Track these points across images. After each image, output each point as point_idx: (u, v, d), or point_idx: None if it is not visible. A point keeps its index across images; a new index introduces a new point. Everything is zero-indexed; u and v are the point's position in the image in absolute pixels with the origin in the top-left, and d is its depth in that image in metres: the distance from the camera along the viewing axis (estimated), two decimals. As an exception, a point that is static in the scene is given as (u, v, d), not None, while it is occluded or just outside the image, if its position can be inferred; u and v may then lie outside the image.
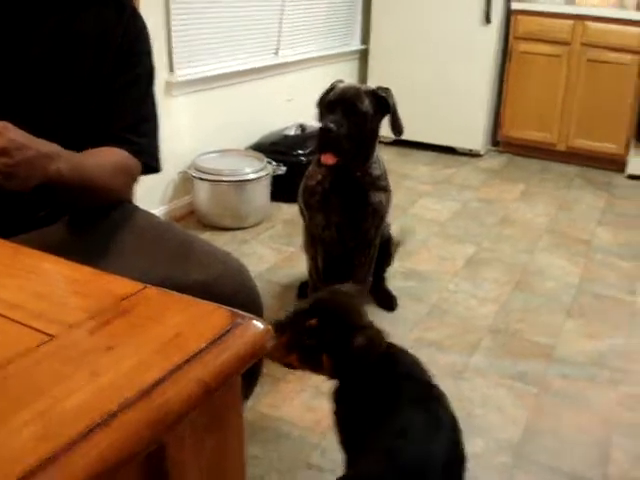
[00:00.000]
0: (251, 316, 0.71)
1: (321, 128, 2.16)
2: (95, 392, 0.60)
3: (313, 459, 1.90)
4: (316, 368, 1.49)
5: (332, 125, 2.12)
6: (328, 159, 2.17)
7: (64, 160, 1.24)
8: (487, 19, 4.52)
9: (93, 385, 0.60)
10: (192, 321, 0.70)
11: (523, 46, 4.67)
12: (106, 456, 0.54)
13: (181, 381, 0.61)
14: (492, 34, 4.58)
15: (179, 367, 0.62)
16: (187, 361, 0.63)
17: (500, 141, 5.02)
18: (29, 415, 0.57)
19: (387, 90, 2.27)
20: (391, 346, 1.53)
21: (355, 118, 2.17)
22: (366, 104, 2.18)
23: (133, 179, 1.49)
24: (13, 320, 0.70)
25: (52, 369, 0.63)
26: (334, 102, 2.20)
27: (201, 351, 0.65)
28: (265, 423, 2.04)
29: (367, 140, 2.23)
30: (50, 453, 0.53)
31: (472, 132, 4.84)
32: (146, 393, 0.59)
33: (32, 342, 0.66)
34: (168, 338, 0.67)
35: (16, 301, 0.74)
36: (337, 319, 1.46)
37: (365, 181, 2.29)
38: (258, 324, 0.71)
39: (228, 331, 0.68)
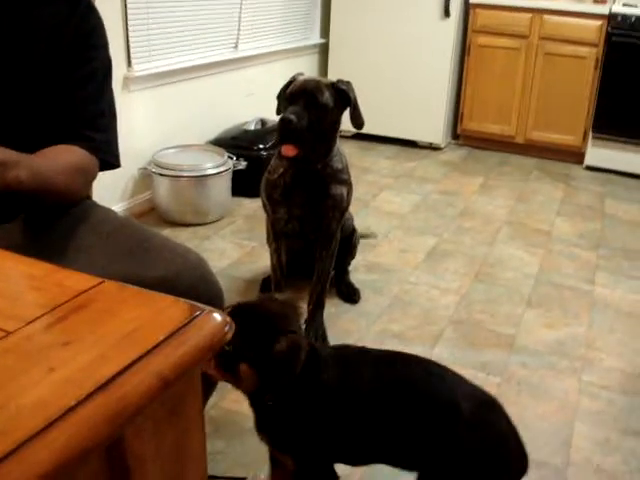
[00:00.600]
0: (210, 308, 0.71)
1: (281, 119, 2.15)
2: (52, 387, 0.59)
3: (278, 453, 1.90)
4: (236, 380, 1.36)
5: (292, 116, 2.12)
6: (289, 151, 2.16)
7: (22, 167, 1.22)
8: (446, 13, 4.56)
9: (50, 380, 0.60)
10: (150, 314, 0.70)
11: (482, 39, 4.72)
12: (65, 450, 0.53)
13: (139, 374, 0.61)
14: (451, 28, 4.61)
15: (137, 360, 0.62)
16: (145, 354, 0.63)
17: (460, 134, 5.06)
18: (-16, 411, 0.56)
19: (347, 83, 2.27)
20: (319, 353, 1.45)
21: (315, 110, 2.17)
22: (326, 96, 2.18)
23: (92, 177, 1.47)
24: (-33, 317, 0.69)
25: (7, 365, 0.62)
26: (295, 94, 2.20)
27: (159, 344, 0.65)
28: (230, 418, 2.03)
29: (327, 132, 2.23)
30: (7, 449, 0.52)
31: (432, 126, 4.87)
32: (104, 387, 0.59)
33: (-13, 338, 0.65)
34: (126, 332, 0.67)
35: (-30, 298, 0.73)
36: (258, 323, 1.32)
37: (326, 174, 2.29)
38: (217, 316, 0.71)
39: (187, 324, 0.68)
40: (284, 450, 1.47)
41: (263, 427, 1.45)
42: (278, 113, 2.30)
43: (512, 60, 4.66)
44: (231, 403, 2.10)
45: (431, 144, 4.93)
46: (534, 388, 2.25)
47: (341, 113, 2.27)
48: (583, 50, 4.45)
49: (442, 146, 4.94)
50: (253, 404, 1.44)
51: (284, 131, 2.15)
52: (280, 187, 2.33)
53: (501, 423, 1.43)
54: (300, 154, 2.17)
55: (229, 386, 2.14)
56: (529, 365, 2.37)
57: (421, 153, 4.85)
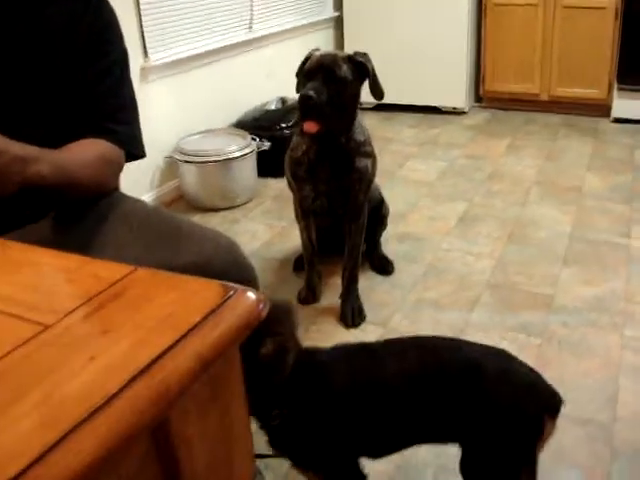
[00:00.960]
0: (243, 287, 0.71)
1: (301, 96, 2.14)
2: (94, 375, 0.60)
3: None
4: None
5: (312, 92, 2.11)
6: (311, 127, 2.16)
7: (44, 162, 1.23)
8: (459, -25, 4.48)
9: (91, 369, 0.60)
10: (185, 298, 0.70)
11: (497, -2, 4.65)
12: (110, 437, 0.54)
13: (179, 357, 0.62)
14: (465, -11, 4.54)
15: (175, 343, 0.63)
16: (183, 336, 0.63)
17: (483, 96, 5.00)
18: (29, 404, 0.57)
19: (364, 55, 2.25)
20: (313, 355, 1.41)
21: (334, 85, 2.16)
22: (344, 70, 2.17)
23: (118, 169, 1.48)
24: (6, 313, 0.70)
25: (49, 357, 0.63)
26: (312, 70, 2.19)
27: (196, 326, 0.65)
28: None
29: (348, 106, 2.22)
30: (54, 439, 0.53)
31: (454, 90, 4.82)
32: (144, 371, 0.59)
33: (27, 333, 0.66)
34: (162, 316, 0.67)
35: (8, 294, 0.74)
36: None
37: (350, 147, 2.28)
38: (251, 294, 0.71)
39: (221, 304, 0.68)
40: (306, 467, 1.43)
41: (278, 445, 1.40)
42: (298, 91, 2.29)
43: (530, 16, 4.58)
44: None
45: (454, 109, 4.87)
46: (575, 346, 2.23)
47: (360, 85, 2.26)
48: (602, 1, 4.35)
49: (465, 110, 4.88)
50: (262, 425, 1.37)
51: (305, 107, 2.14)
52: (304, 164, 2.32)
53: (523, 369, 1.41)
54: (322, 129, 2.17)
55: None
56: (569, 324, 2.35)
57: (445, 119, 4.80)
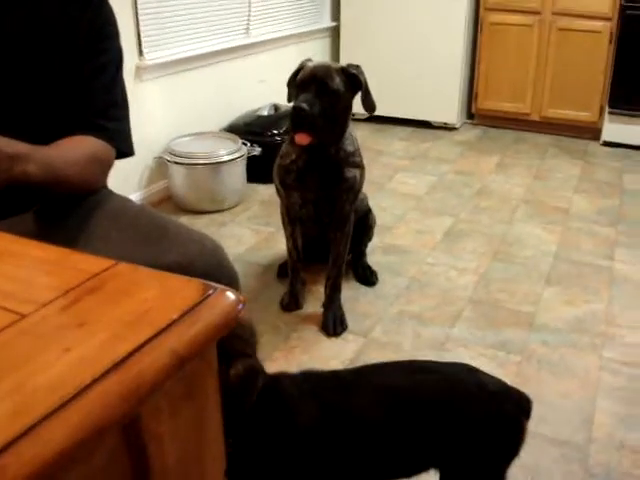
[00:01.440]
0: (223, 287, 0.71)
1: (294, 107, 2.15)
2: (68, 367, 0.59)
3: (299, 435, 1.91)
4: None
5: (304, 105, 2.11)
6: (302, 139, 2.16)
7: (32, 160, 1.23)
8: (457, -9, 4.51)
9: (65, 360, 0.60)
10: (164, 294, 0.70)
11: (494, 17, 4.67)
12: (81, 428, 0.54)
13: (154, 352, 0.61)
14: (463, 6, 4.56)
15: (151, 339, 0.62)
16: (159, 333, 0.63)
17: (475, 113, 5.03)
18: (2, 391, 0.56)
19: (357, 67, 2.26)
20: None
21: (327, 97, 2.16)
22: (337, 82, 2.17)
23: (107, 167, 1.48)
24: (-17, 301, 0.69)
25: (24, 347, 0.62)
26: (305, 81, 2.19)
27: (173, 322, 0.65)
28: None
29: (340, 118, 2.23)
30: (24, 427, 0.52)
31: (447, 106, 4.84)
32: (119, 365, 0.59)
33: (3, 322, 0.65)
34: (140, 312, 0.67)
35: (-15, 283, 0.74)
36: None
37: (339, 157, 2.29)
38: (230, 294, 0.71)
39: (200, 302, 0.68)
40: None
41: (232, 475, 1.26)
42: (289, 100, 2.29)
43: (525, 37, 4.62)
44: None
45: (446, 124, 4.89)
46: (555, 366, 2.24)
47: (352, 97, 2.26)
48: (597, 24, 4.39)
49: (457, 126, 4.90)
50: None
51: (297, 119, 2.14)
52: (293, 172, 2.33)
53: (491, 378, 1.41)
54: (314, 141, 2.17)
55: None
56: (549, 343, 2.36)
57: (436, 134, 4.82)
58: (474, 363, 2.19)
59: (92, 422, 0.55)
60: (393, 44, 4.80)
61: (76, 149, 1.38)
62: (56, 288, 0.71)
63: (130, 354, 0.60)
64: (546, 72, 4.63)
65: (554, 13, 4.48)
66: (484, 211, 3.48)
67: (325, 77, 2.17)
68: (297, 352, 2.32)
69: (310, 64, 2.25)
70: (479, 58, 4.83)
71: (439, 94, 4.80)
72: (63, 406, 0.55)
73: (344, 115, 2.25)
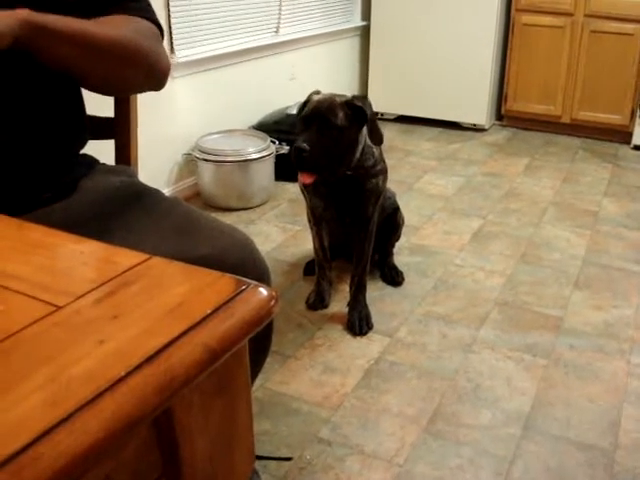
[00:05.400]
0: (256, 283, 0.71)
1: (295, 148, 2.10)
2: (101, 359, 0.60)
3: (323, 433, 1.91)
4: None
5: (305, 145, 2.08)
6: (306, 179, 2.13)
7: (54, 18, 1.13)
8: (489, -8, 4.49)
9: (99, 352, 0.61)
10: (197, 289, 0.71)
11: (525, 18, 4.64)
12: (114, 420, 0.54)
13: (187, 346, 0.62)
14: (494, 6, 4.54)
15: (184, 333, 0.63)
16: (192, 327, 0.64)
17: (504, 115, 5.00)
18: (37, 382, 0.57)
19: (364, 99, 2.19)
20: None
21: (329, 133, 2.11)
22: (340, 117, 2.11)
23: (160, 42, 1.38)
24: (20, 292, 0.70)
25: (58, 338, 0.63)
26: (308, 117, 2.13)
27: (206, 317, 0.65)
28: (275, 399, 2.05)
29: (345, 153, 2.18)
30: (59, 418, 0.53)
31: (476, 107, 4.81)
32: (152, 358, 0.60)
33: (39, 313, 0.66)
34: (173, 305, 0.67)
35: (22, 274, 0.74)
36: None
37: (358, 174, 2.27)
38: (263, 290, 0.71)
39: (233, 297, 0.69)
40: None
41: None
42: (297, 134, 2.24)
43: (557, 39, 4.58)
44: (277, 384, 2.12)
45: (475, 125, 4.87)
46: (581, 370, 2.22)
47: (359, 131, 2.19)
48: (629, 27, 4.34)
49: (486, 127, 4.88)
50: None
51: (298, 160, 2.11)
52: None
53: None
54: (319, 179, 2.16)
55: (275, 367, 2.17)
56: (576, 347, 2.34)
57: (464, 135, 4.80)
58: (500, 365, 2.21)
59: (125, 414, 0.55)
60: (423, 44, 4.78)
61: (119, 20, 1.27)
62: (90, 280, 0.72)
63: (163, 347, 0.61)
64: (577, 74, 4.59)
65: (586, 15, 4.44)
66: (513, 213, 3.46)
67: (327, 113, 2.11)
68: (322, 350, 2.32)
69: (315, 97, 2.19)
70: (510, 59, 4.80)
71: (469, 95, 4.78)
72: (97, 397, 0.55)
73: (349, 149, 2.19)
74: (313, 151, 2.08)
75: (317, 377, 2.17)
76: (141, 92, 1.51)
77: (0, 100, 1.29)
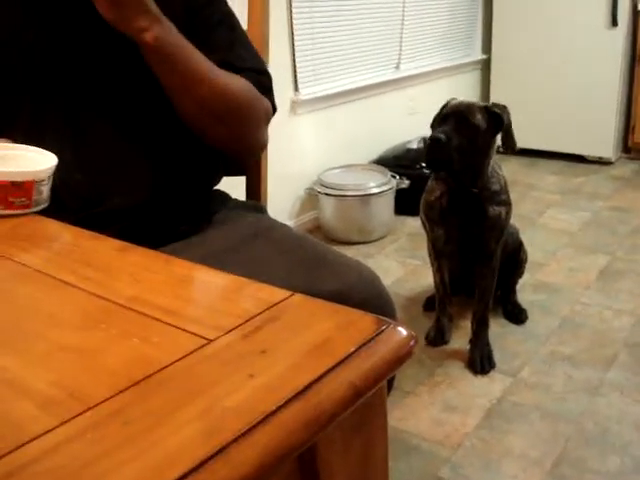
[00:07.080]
0: (395, 322, 0.72)
1: (430, 137, 2.15)
2: (252, 392, 0.62)
3: (443, 473, 1.89)
4: None
5: (441, 135, 2.12)
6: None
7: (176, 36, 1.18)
8: (614, 22, 4.38)
9: (250, 386, 0.63)
10: (340, 326, 0.72)
11: (654, 49, 4.49)
12: (266, 453, 0.56)
13: (333, 383, 0.63)
14: (619, 37, 4.43)
15: (330, 370, 0.64)
16: (338, 364, 0.65)
17: (631, 147, 4.83)
18: (192, 413, 0.60)
19: (503, 107, 2.22)
20: None
21: (466, 131, 2.15)
22: (478, 118, 2.16)
23: (269, 116, 1.40)
24: (173, 325, 0.74)
25: (211, 371, 0.66)
26: (446, 115, 2.20)
27: (350, 355, 0.67)
28: (394, 436, 2.04)
29: (477, 154, 2.20)
30: (215, 449, 0.55)
31: (602, 139, 4.68)
32: (301, 394, 0.61)
33: (191, 345, 0.70)
34: (318, 342, 0.69)
35: (173, 308, 0.78)
36: None
37: (483, 196, 2.26)
38: (402, 330, 0.72)
39: (375, 336, 0.70)
40: None
41: None
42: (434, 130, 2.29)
43: (689, 69, 4.41)
44: (396, 421, 2.11)
45: (600, 158, 4.73)
46: None
47: (494, 136, 2.22)
48: None
49: (612, 160, 4.73)
50: None
51: (432, 149, 2.14)
52: (437, 208, 2.33)
53: None
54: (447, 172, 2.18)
55: (394, 403, 2.16)
56: None
57: (589, 168, 4.67)
58: (629, 409, 2.12)
59: (276, 448, 0.57)
60: (545, 76, 4.71)
61: (238, 78, 1.30)
62: (237, 315, 0.75)
63: (311, 384, 0.63)
64: None
65: None
66: (642, 250, 3.33)
67: (466, 112, 2.17)
68: (442, 387, 2.30)
69: (454, 101, 2.26)
70: (636, 90, 4.65)
71: (594, 127, 4.65)
72: (250, 430, 0.57)
73: (483, 152, 2.22)
74: (447, 143, 2.10)
75: (437, 415, 2.15)
76: (235, 155, 1.53)
77: (145, 136, 1.37)
